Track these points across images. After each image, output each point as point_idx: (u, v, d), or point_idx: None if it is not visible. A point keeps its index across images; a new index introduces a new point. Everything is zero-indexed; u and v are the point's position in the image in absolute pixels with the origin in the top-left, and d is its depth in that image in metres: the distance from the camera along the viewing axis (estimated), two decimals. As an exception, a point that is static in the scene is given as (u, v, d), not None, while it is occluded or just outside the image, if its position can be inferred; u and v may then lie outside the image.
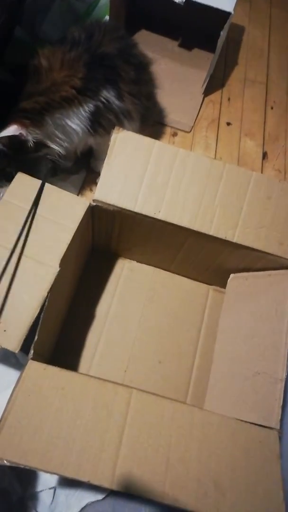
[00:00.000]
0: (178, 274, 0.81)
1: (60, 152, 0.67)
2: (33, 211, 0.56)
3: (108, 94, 0.65)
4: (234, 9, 0.80)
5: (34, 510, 0.61)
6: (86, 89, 0.63)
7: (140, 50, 0.74)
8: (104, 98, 0.65)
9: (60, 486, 0.62)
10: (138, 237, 0.69)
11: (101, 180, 0.59)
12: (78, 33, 0.66)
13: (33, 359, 0.49)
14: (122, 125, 0.69)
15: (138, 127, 0.76)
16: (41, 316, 0.50)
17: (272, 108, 1.11)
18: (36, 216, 0.56)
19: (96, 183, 0.60)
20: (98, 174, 0.65)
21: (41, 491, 0.62)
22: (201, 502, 0.44)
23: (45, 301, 0.51)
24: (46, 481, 0.62)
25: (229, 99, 1.09)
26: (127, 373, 0.71)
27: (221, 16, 0.81)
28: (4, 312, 0.49)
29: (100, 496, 0.62)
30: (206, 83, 1.01)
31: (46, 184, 0.58)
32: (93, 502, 0.62)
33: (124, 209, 0.59)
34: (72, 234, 0.56)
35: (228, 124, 1.06)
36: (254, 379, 0.57)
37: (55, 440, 0.44)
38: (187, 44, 1.11)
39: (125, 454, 0.45)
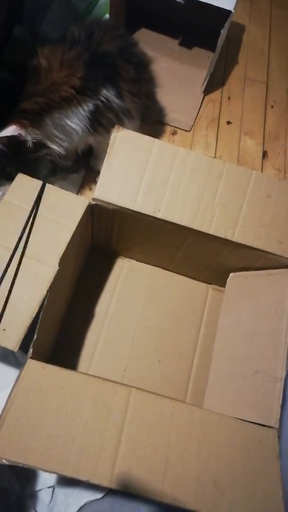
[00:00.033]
0: (178, 273, 0.81)
1: (60, 152, 0.67)
2: (34, 211, 0.56)
3: (108, 93, 0.65)
4: (235, 8, 0.80)
5: (33, 509, 0.61)
6: (86, 89, 0.63)
7: (140, 49, 0.74)
8: (104, 97, 0.65)
9: (59, 485, 0.62)
10: (137, 236, 0.69)
11: (100, 179, 0.59)
12: (78, 32, 0.65)
13: (32, 358, 0.49)
14: (122, 124, 0.69)
15: (138, 126, 0.75)
16: (41, 315, 0.50)
17: (272, 107, 1.11)
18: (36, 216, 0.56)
19: (95, 182, 0.60)
20: (97, 173, 0.65)
21: (40, 490, 0.62)
22: (200, 501, 0.44)
23: (44, 300, 0.51)
24: (45, 480, 0.62)
25: (229, 98, 1.09)
26: (126, 372, 0.71)
27: (222, 14, 0.81)
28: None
29: (99, 495, 0.62)
30: (206, 82, 1.01)
31: (46, 184, 0.58)
32: (92, 501, 0.62)
33: (123, 208, 0.59)
34: (72, 233, 0.55)
35: (228, 123, 1.06)
36: (253, 378, 0.57)
37: (54, 439, 0.44)
38: (187, 43, 1.10)
39: (124, 453, 0.45)
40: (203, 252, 0.67)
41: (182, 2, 0.82)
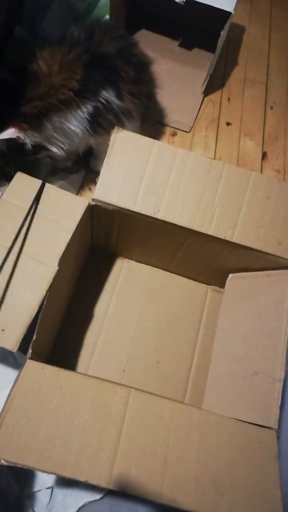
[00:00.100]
0: (177, 274, 0.81)
1: (60, 153, 0.67)
2: (32, 210, 0.56)
3: (107, 95, 0.65)
4: (235, 9, 0.80)
5: (32, 510, 0.60)
6: (84, 91, 0.63)
7: (140, 50, 0.74)
8: (103, 99, 0.65)
9: (57, 486, 0.62)
10: (137, 237, 0.69)
11: (100, 180, 0.59)
12: (77, 33, 0.65)
13: (31, 358, 0.49)
14: (122, 125, 0.69)
15: (138, 127, 0.75)
16: (40, 316, 0.50)
17: (272, 108, 1.11)
18: (35, 216, 0.56)
19: (95, 183, 0.60)
20: (97, 173, 0.65)
21: (38, 490, 0.62)
22: (199, 502, 0.44)
23: (44, 300, 0.51)
24: (43, 481, 0.62)
25: (229, 99, 1.09)
26: (126, 373, 0.71)
27: (222, 15, 0.81)
28: (3, 311, 0.49)
29: (97, 496, 0.62)
30: (206, 83, 1.01)
31: (46, 184, 0.58)
32: (90, 502, 0.62)
33: (123, 208, 0.59)
34: (71, 234, 0.55)
35: (228, 124, 1.06)
36: (252, 379, 0.57)
37: (53, 440, 0.44)
38: (187, 44, 1.11)
39: (123, 453, 0.45)
40: (203, 253, 0.67)
41: (182, 3, 0.82)
